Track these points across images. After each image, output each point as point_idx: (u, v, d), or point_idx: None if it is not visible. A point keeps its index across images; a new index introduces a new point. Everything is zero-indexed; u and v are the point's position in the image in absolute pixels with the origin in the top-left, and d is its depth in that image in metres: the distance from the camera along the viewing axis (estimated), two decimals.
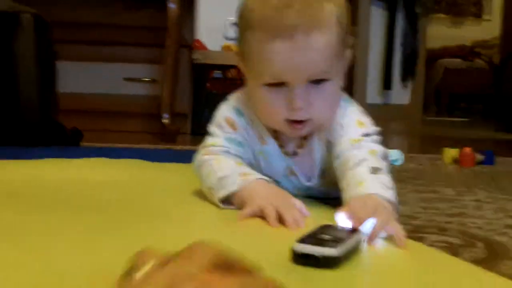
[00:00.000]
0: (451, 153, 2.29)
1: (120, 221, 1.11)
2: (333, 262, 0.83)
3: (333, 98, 1.23)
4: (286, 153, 1.30)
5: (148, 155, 1.94)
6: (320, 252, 0.83)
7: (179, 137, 3.01)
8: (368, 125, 1.27)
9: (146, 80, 3.24)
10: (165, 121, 2.96)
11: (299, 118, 1.19)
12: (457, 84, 7.76)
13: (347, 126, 1.25)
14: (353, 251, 0.89)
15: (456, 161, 2.25)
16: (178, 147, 2.59)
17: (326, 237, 0.88)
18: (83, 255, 0.88)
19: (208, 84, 3.33)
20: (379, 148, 1.21)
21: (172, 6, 2.96)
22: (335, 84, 1.21)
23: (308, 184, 1.32)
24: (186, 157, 1.75)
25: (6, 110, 2.31)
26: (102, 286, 0.70)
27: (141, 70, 3.25)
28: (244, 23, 1.21)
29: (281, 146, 1.30)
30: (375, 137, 1.24)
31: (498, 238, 1.14)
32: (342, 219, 1.00)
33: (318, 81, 1.18)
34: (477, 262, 0.96)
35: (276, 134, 1.30)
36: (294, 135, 1.26)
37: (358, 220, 0.98)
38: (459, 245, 1.08)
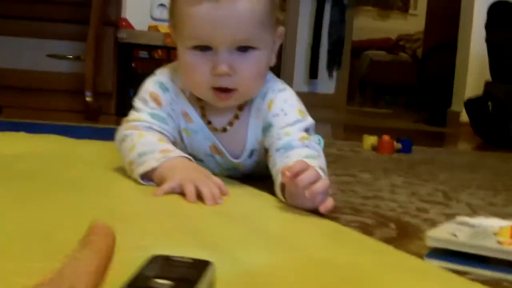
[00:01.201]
0: (370, 140, 2.35)
1: (36, 191, 1.10)
2: None
3: (259, 69, 1.25)
4: (214, 129, 1.31)
5: (69, 132, 1.92)
6: None
7: (103, 116, 2.98)
8: (306, 114, 1.31)
9: (69, 57, 3.18)
10: (88, 99, 2.92)
11: (223, 85, 1.21)
12: (381, 76, 7.91)
13: (289, 112, 1.28)
14: None
15: (374, 148, 2.31)
16: (101, 126, 2.56)
17: (163, 283, 0.57)
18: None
19: (133, 64, 3.30)
20: (322, 152, 1.26)
21: None
22: (263, 55, 1.23)
23: (235, 161, 1.33)
24: (108, 135, 1.74)
25: None
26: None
27: (65, 47, 3.19)
28: None
29: (208, 122, 1.31)
30: (315, 136, 1.29)
31: (410, 219, 1.17)
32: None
33: (244, 49, 1.20)
34: (388, 241, 0.99)
35: (203, 111, 1.31)
36: (220, 105, 1.27)
37: (303, 173, 1.03)
38: (372, 225, 1.11)
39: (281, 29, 1.29)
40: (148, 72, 2.98)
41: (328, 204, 1.06)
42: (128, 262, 0.62)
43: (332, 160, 1.96)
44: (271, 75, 1.34)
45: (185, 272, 0.61)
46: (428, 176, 1.77)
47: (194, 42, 1.20)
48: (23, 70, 3.13)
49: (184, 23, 1.21)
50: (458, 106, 4.04)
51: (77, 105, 3.04)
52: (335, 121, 3.92)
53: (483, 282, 0.80)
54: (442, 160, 2.25)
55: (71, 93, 3.11)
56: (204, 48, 1.20)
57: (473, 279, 0.82)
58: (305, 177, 1.03)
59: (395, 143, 2.30)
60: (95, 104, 2.95)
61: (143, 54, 3.38)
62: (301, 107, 1.31)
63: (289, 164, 1.08)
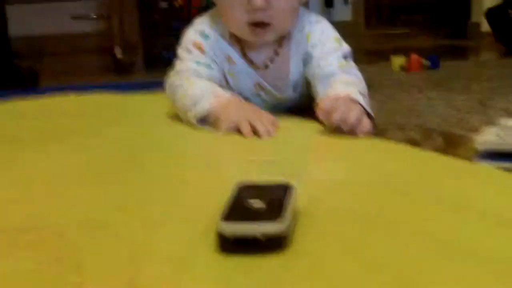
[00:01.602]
0: (398, 61, 2.40)
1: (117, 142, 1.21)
2: (280, 240, 0.62)
3: (291, 3, 1.32)
4: (257, 67, 1.39)
5: (111, 89, 1.99)
6: (261, 230, 0.61)
7: (133, 70, 3.05)
8: (342, 42, 1.38)
9: (93, 17, 3.24)
10: (118, 55, 2.99)
11: (258, 19, 1.29)
12: None
13: (326, 42, 1.37)
14: (295, 215, 0.69)
15: (403, 68, 2.36)
16: (135, 80, 2.64)
17: (256, 204, 0.66)
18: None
19: (155, 15, 3.35)
20: (361, 77, 1.33)
21: None
22: None
23: (280, 94, 1.41)
24: (146, 87, 1.82)
25: None
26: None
27: (87, 7, 3.25)
28: None
29: (250, 62, 1.38)
30: (352, 62, 1.36)
31: (453, 129, 1.24)
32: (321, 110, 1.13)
33: None
34: (438, 151, 1.07)
35: (244, 51, 1.38)
36: (257, 40, 1.34)
37: (335, 110, 1.12)
38: (419, 139, 1.18)
39: None
40: (170, 21, 3.05)
41: (363, 127, 1.14)
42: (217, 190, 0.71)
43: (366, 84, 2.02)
44: (304, 11, 1.40)
45: (272, 194, 0.69)
46: (461, 88, 1.83)
47: None
48: (51, 35, 3.20)
49: None
50: (477, 17, 4.05)
51: (107, 62, 3.12)
52: (356, 47, 3.93)
53: None
54: (472, 71, 2.31)
55: (99, 51, 3.18)
56: None
57: None
58: (336, 116, 1.13)
59: (423, 60, 2.35)
60: (125, 58, 3.02)
61: (164, 4, 3.42)
62: (337, 35, 1.39)
63: (322, 101, 1.17)
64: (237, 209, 0.65)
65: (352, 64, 1.35)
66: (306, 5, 1.43)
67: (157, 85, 1.57)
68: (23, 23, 3.11)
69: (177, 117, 1.37)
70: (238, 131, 1.20)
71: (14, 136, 1.34)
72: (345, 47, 1.37)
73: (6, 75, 2.44)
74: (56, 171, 0.98)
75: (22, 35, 3.05)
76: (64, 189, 0.89)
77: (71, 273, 0.59)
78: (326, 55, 1.34)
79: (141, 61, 3.25)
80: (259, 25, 1.30)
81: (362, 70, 1.36)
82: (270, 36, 1.34)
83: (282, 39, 1.38)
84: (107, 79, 2.71)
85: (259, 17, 1.29)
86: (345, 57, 1.35)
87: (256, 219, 0.62)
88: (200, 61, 1.37)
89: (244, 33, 1.33)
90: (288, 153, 1.09)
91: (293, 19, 1.36)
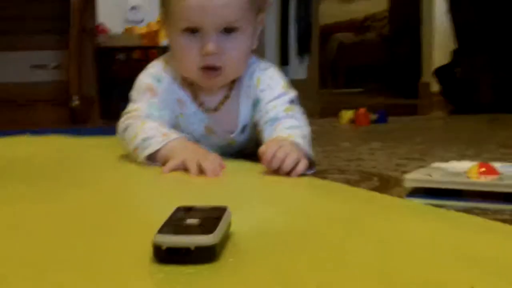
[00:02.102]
0: (347, 114, 2.49)
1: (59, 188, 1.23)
2: (210, 252, 0.67)
3: (243, 50, 1.39)
4: (207, 110, 1.45)
5: (67, 133, 2.03)
6: (192, 241, 0.66)
7: (89, 122, 3.09)
8: (290, 89, 1.46)
9: (52, 67, 3.29)
10: (75, 103, 3.04)
11: (211, 63, 1.35)
12: (351, 58, 8.05)
13: (275, 87, 1.44)
14: (227, 234, 0.75)
15: (352, 121, 2.45)
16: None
17: (192, 221, 0.71)
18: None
19: (114, 67, 3.42)
20: (305, 121, 1.41)
21: None
22: (246, 37, 1.38)
23: (228, 137, 1.47)
24: (100, 133, 1.87)
25: None
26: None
27: (46, 57, 3.29)
28: None
29: (201, 105, 1.45)
30: (299, 107, 1.44)
31: (390, 173, 1.31)
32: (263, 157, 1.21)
33: (230, 31, 1.34)
34: (373, 189, 1.13)
35: (195, 94, 1.44)
36: (208, 84, 1.41)
37: (275, 158, 1.19)
38: (357, 180, 1.24)
39: (262, 15, 1.43)
40: (128, 73, 3.11)
41: (299, 170, 1.21)
42: (156, 217, 0.76)
43: (313, 135, 2.09)
44: (255, 57, 1.48)
45: (207, 214, 0.75)
46: (404, 140, 1.91)
47: (184, 25, 1.35)
48: (9, 83, 3.23)
49: (175, 8, 1.35)
50: (428, 77, 4.20)
51: (63, 113, 3.15)
52: (309, 104, 4.03)
53: (456, 211, 0.93)
54: (417, 126, 2.40)
55: (56, 102, 3.22)
56: (194, 31, 1.34)
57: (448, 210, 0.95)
58: (274, 163, 1.21)
59: (371, 114, 2.44)
60: (82, 108, 3.06)
61: (122, 56, 3.50)
62: (285, 81, 1.46)
63: (263, 149, 1.24)
64: (173, 224, 0.71)
65: (297, 109, 1.42)
66: (256, 52, 1.50)
67: (111, 131, 1.62)
68: None
69: (126, 157, 1.43)
70: (186, 170, 1.26)
71: None
72: (292, 93, 1.45)
73: None
74: None
75: None
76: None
77: None
78: (274, 99, 1.41)
79: (98, 111, 3.29)
80: (210, 69, 1.37)
81: (313, 124, 1.43)
82: (221, 80, 1.41)
83: (233, 83, 1.45)
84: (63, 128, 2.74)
85: (211, 61, 1.36)
86: (291, 102, 1.43)
87: (189, 233, 0.68)
88: (152, 102, 1.42)
89: (196, 76, 1.40)
90: (231, 191, 1.14)
91: (244, 65, 1.43)
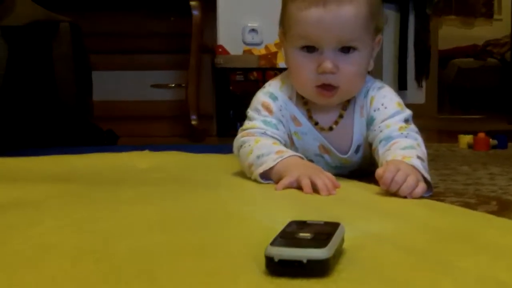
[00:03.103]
0: (466, 138, 2.43)
1: (180, 191, 1.29)
2: (323, 266, 0.67)
3: (359, 69, 1.39)
4: (322, 129, 1.45)
5: (183, 150, 2.09)
6: (305, 255, 0.66)
7: (206, 139, 3.16)
8: (404, 107, 1.44)
9: (171, 86, 3.38)
10: (194, 122, 3.11)
11: (327, 81, 1.36)
12: (470, 83, 7.87)
13: (388, 106, 1.43)
14: (340, 249, 0.75)
15: (471, 146, 2.39)
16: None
17: (305, 235, 0.72)
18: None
19: (231, 87, 3.48)
20: (421, 140, 1.39)
21: (196, 13, 3.12)
22: (363, 57, 1.38)
23: (342, 156, 1.46)
24: (217, 151, 1.91)
25: (47, 112, 2.46)
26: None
27: (166, 76, 3.39)
28: None
29: (315, 124, 1.45)
30: (413, 126, 1.42)
31: (510, 197, 1.27)
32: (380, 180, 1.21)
33: (347, 49, 1.35)
34: (491, 213, 1.10)
35: (310, 113, 1.45)
36: (323, 102, 1.42)
37: (393, 182, 1.18)
38: (474, 203, 1.21)
39: (379, 36, 1.43)
40: (245, 93, 3.16)
41: (417, 194, 1.20)
42: (269, 230, 0.77)
43: (431, 158, 2.04)
44: (370, 77, 1.47)
45: (320, 229, 0.75)
46: None
47: (302, 43, 1.36)
48: (130, 101, 3.35)
49: (294, 26, 1.37)
50: None
51: (182, 129, 3.24)
52: (428, 128, 3.98)
53: None
54: None
55: (175, 119, 3.31)
56: (311, 49, 1.36)
57: None
58: (393, 187, 1.20)
59: (490, 139, 2.38)
60: (200, 126, 3.14)
61: (239, 77, 3.55)
62: (399, 100, 1.45)
63: (380, 172, 1.22)
64: (286, 237, 0.72)
65: (413, 128, 1.41)
66: (374, 76, 1.49)
67: (227, 149, 1.66)
68: (105, 88, 3.26)
69: (241, 173, 1.45)
70: (299, 187, 1.26)
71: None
72: (407, 111, 1.43)
73: (88, 135, 2.56)
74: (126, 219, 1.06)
75: (105, 100, 3.20)
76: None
77: None
78: (388, 118, 1.40)
79: (215, 129, 3.36)
80: (326, 87, 1.37)
81: (430, 147, 1.41)
82: (336, 99, 1.41)
83: (347, 103, 1.45)
84: (181, 144, 2.80)
85: (328, 80, 1.36)
86: (406, 121, 1.41)
87: (302, 246, 0.68)
88: (267, 120, 1.44)
89: (312, 95, 1.40)
90: (345, 208, 1.13)
91: (360, 85, 1.43)
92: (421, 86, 5.67)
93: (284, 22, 1.42)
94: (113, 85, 3.35)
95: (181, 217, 1.01)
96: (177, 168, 1.67)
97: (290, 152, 1.37)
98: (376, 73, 5.46)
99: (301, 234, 0.72)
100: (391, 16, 5.49)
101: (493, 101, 7.57)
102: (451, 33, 8.41)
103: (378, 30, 1.42)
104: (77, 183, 1.41)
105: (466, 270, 0.70)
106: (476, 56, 8.20)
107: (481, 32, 8.79)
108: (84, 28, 2.66)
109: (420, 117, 1.48)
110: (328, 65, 1.34)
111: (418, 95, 5.66)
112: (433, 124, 4.69)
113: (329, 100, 1.41)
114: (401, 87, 5.51)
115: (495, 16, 9.01)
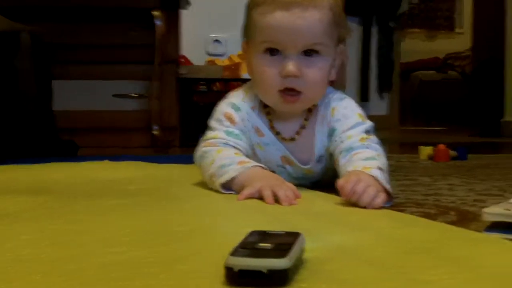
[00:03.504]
0: (426, 150, 2.46)
1: (145, 204, 1.28)
2: (283, 276, 0.67)
3: (323, 74, 1.39)
4: (283, 139, 1.45)
5: (145, 160, 2.08)
6: (265, 265, 0.66)
7: (169, 149, 3.15)
8: (366, 118, 1.45)
9: (134, 96, 3.36)
10: (156, 132, 3.10)
11: (290, 85, 1.36)
12: (432, 96, 7.97)
13: (350, 117, 1.44)
14: (301, 260, 0.75)
15: (431, 157, 2.41)
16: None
17: (265, 245, 0.71)
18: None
19: (194, 97, 3.47)
20: (382, 151, 1.40)
21: (159, 23, 3.11)
22: (326, 63, 1.39)
23: (304, 167, 1.47)
24: (179, 161, 1.90)
25: (6, 124, 2.43)
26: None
27: (129, 87, 3.37)
28: (251, 3, 1.40)
29: (277, 134, 1.45)
30: (374, 137, 1.43)
31: (468, 208, 1.29)
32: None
33: (310, 54, 1.35)
34: (450, 223, 1.11)
35: (271, 124, 1.45)
36: (286, 108, 1.42)
37: (354, 192, 1.19)
38: (434, 213, 1.22)
39: (342, 46, 1.44)
40: (208, 104, 3.16)
41: (377, 204, 1.21)
42: (230, 241, 0.77)
43: (392, 169, 2.06)
44: (331, 88, 1.48)
45: (281, 239, 0.75)
46: (484, 177, 1.87)
47: (265, 45, 1.37)
48: (93, 111, 3.32)
49: (259, 31, 1.37)
50: (511, 116, 4.12)
51: (145, 140, 3.23)
52: (389, 140, 4.02)
53: None
54: (498, 164, 2.34)
55: (138, 130, 3.29)
56: (275, 52, 1.36)
57: None
58: (353, 198, 1.21)
59: (450, 151, 2.40)
60: (163, 137, 3.12)
61: (203, 88, 3.55)
62: (361, 111, 1.46)
63: (341, 182, 1.23)
64: (246, 247, 0.71)
65: (374, 139, 1.42)
66: (332, 84, 1.50)
67: (189, 159, 1.65)
68: (66, 98, 3.23)
69: (202, 184, 1.45)
70: (261, 198, 1.26)
71: None
72: (368, 122, 1.44)
73: (48, 146, 2.53)
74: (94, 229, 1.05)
75: (65, 110, 3.16)
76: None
77: None
78: (349, 129, 1.41)
79: (178, 140, 3.34)
80: (290, 92, 1.38)
81: (391, 158, 1.42)
82: (299, 105, 1.41)
83: (309, 113, 1.46)
84: (143, 155, 2.79)
85: (291, 84, 1.37)
86: (367, 132, 1.42)
87: (262, 256, 0.68)
88: (229, 131, 1.44)
89: (275, 101, 1.40)
90: (306, 219, 1.13)
91: (322, 92, 1.44)
92: (384, 98, 5.72)
93: (248, 30, 1.42)
94: (75, 95, 3.32)
95: (151, 230, 1.00)
96: (142, 180, 1.66)
97: (252, 163, 1.38)
98: (340, 85, 5.49)
99: (262, 244, 0.72)
100: (354, 29, 5.54)
101: (455, 114, 7.67)
102: (414, 46, 8.52)
103: (341, 40, 1.43)
104: (49, 195, 1.39)
105: (427, 283, 0.70)
106: (438, 69, 8.31)
107: (443, 45, 8.92)
108: (47, 38, 2.64)
109: (383, 129, 1.49)
110: (291, 68, 1.34)
111: (381, 107, 5.71)
112: (395, 136, 4.73)
113: (292, 106, 1.41)
114: (363, 98, 5.55)
115: (457, 30, 9.14)
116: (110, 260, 0.79)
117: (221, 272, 0.69)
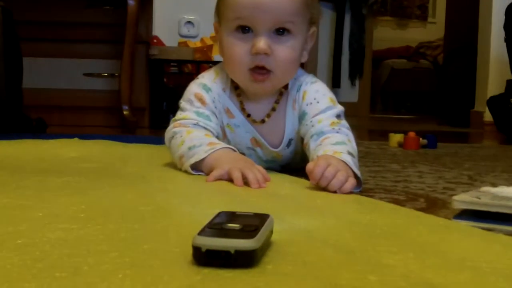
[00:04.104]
0: (396, 137, 2.46)
1: (105, 182, 1.25)
2: (250, 257, 0.66)
3: (294, 54, 1.38)
4: (254, 121, 1.44)
5: (115, 140, 2.06)
6: (233, 245, 0.65)
7: (138, 130, 3.12)
8: (337, 103, 1.44)
9: (104, 75, 3.33)
10: (126, 112, 3.07)
11: (260, 63, 1.34)
12: (403, 84, 8.01)
13: (321, 101, 1.43)
14: (268, 242, 0.75)
15: (401, 145, 2.42)
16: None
17: (233, 225, 0.71)
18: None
19: (165, 79, 3.44)
20: (352, 136, 1.40)
21: (131, 3, 3.08)
22: (297, 43, 1.37)
23: (274, 150, 1.46)
24: (148, 141, 1.88)
25: None
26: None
27: (100, 66, 3.34)
28: None
29: (248, 116, 1.44)
30: (345, 122, 1.42)
31: (438, 195, 1.29)
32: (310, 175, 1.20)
33: (281, 32, 1.34)
34: (419, 210, 1.11)
35: (242, 105, 1.44)
36: (256, 88, 1.40)
37: (323, 177, 1.18)
38: (403, 200, 1.22)
39: (314, 29, 1.43)
40: (178, 86, 3.13)
41: (346, 189, 1.20)
42: (197, 222, 0.76)
43: (361, 155, 2.06)
44: (303, 71, 1.47)
45: (249, 220, 0.74)
46: (453, 165, 1.88)
47: (236, 23, 1.35)
48: (62, 89, 3.28)
49: (230, 9, 1.36)
50: (481, 107, 4.14)
51: (113, 120, 3.20)
52: (359, 127, 4.03)
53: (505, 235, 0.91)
54: (467, 153, 2.36)
55: (107, 109, 3.26)
56: (246, 30, 1.35)
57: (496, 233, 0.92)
58: (322, 182, 1.20)
59: (420, 139, 2.41)
60: (132, 118, 3.09)
61: (174, 69, 3.52)
62: (332, 96, 1.45)
63: (311, 166, 1.22)
64: (214, 228, 0.70)
65: (344, 124, 1.41)
66: (303, 66, 1.49)
67: (158, 141, 1.64)
68: (36, 76, 3.19)
69: (171, 164, 1.43)
70: (230, 180, 1.25)
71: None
72: (339, 107, 1.43)
73: (16, 123, 2.50)
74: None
75: (34, 87, 3.12)
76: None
77: None
78: (319, 113, 1.40)
79: (147, 121, 3.32)
80: (260, 71, 1.36)
81: (361, 145, 1.41)
82: (268, 85, 1.39)
83: (280, 96, 1.44)
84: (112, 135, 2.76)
85: (261, 61, 1.35)
86: (338, 116, 1.41)
87: (230, 236, 0.67)
88: (199, 111, 1.43)
89: (245, 79, 1.39)
90: (275, 202, 1.13)
91: (293, 72, 1.42)
92: (355, 85, 5.73)
93: (220, 9, 1.40)
94: (45, 73, 3.28)
95: (109, 208, 0.99)
96: (107, 158, 1.64)
97: (222, 144, 1.36)
98: (311, 70, 5.49)
99: (230, 225, 0.71)
100: (327, 15, 5.54)
101: (424, 103, 7.72)
102: (386, 34, 8.55)
103: (312, 22, 1.42)
104: (3, 171, 1.37)
105: (393, 267, 0.70)
106: (409, 57, 8.35)
107: (415, 34, 8.97)
108: (17, 15, 2.60)
109: (353, 116, 1.48)
110: (262, 45, 1.33)
111: (352, 94, 5.72)
112: (365, 123, 4.75)
113: (262, 86, 1.39)
114: (335, 85, 5.56)
115: (429, 19, 9.19)
116: (60, 236, 0.78)
117: (187, 252, 0.67)
